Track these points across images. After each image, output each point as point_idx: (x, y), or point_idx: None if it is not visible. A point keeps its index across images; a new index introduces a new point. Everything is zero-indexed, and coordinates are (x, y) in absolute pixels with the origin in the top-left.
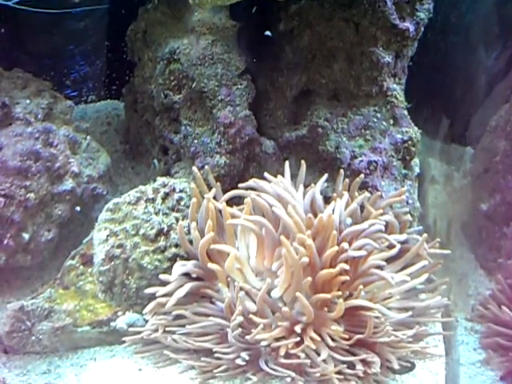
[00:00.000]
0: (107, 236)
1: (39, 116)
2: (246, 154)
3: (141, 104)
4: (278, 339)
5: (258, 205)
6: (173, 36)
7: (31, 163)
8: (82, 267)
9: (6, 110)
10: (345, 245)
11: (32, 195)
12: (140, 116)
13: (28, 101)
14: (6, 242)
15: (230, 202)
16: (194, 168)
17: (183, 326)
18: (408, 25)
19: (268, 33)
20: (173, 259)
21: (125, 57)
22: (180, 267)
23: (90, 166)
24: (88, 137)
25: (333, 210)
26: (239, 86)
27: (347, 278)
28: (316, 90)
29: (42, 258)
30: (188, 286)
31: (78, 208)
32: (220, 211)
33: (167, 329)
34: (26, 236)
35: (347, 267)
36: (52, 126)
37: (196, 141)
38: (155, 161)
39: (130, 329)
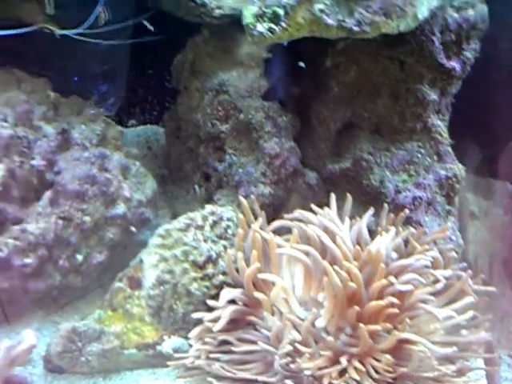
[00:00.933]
0: (158, 261)
1: (93, 141)
2: (289, 184)
3: (185, 132)
4: (320, 368)
5: (306, 235)
6: (222, 68)
7: (88, 187)
8: (129, 290)
9: (65, 135)
10: (392, 278)
11: (88, 218)
12: (182, 143)
13: (83, 126)
14: (61, 262)
15: (274, 232)
16: (241, 198)
17: (227, 352)
18: (454, 64)
19: (302, 64)
20: (220, 286)
21: (166, 84)
22: (227, 294)
23: (139, 190)
24: (137, 162)
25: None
26: (285, 119)
27: (396, 310)
28: (359, 123)
29: (90, 279)
30: (234, 307)
31: (133, 228)
32: (265, 240)
33: (211, 355)
34: (80, 257)
35: (396, 301)
36: (106, 151)
37: (241, 170)
38: (196, 186)
39: (175, 354)
